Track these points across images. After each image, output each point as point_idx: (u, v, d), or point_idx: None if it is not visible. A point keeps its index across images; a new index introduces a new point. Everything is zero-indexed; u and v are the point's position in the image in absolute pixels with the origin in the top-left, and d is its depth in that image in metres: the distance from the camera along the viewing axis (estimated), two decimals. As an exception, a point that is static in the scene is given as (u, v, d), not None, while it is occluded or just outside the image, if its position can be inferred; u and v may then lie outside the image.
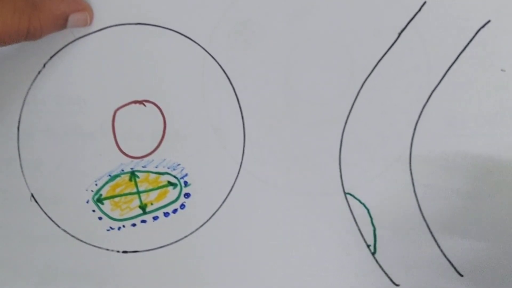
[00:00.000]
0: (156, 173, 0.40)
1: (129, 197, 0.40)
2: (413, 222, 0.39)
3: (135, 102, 0.39)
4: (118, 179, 0.40)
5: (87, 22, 0.38)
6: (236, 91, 0.39)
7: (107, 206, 0.40)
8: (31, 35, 0.35)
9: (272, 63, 0.38)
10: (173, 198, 0.40)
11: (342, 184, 0.39)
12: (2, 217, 0.41)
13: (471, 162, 0.38)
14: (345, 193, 0.39)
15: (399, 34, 0.37)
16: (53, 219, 0.41)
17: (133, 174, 0.40)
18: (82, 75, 0.39)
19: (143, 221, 0.40)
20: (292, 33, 0.38)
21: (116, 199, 0.40)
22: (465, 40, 0.37)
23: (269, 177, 0.39)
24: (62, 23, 0.37)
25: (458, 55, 0.37)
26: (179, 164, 0.40)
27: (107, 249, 0.41)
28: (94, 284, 0.41)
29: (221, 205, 0.40)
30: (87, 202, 0.40)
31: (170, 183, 0.40)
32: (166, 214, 0.40)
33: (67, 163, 0.40)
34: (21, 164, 0.40)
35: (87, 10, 0.38)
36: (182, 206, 0.40)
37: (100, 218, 0.40)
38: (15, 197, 0.40)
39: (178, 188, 0.40)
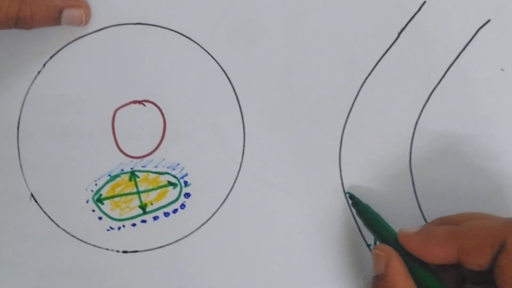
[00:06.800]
0: (156, 173, 0.40)
1: (129, 197, 0.40)
2: (413, 222, 0.38)
3: (135, 102, 0.39)
4: (118, 179, 0.40)
5: (83, 20, 0.37)
6: (236, 91, 0.39)
7: (107, 206, 0.40)
8: (21, 21, 0.34)
9: (272, 63, 0.38)
10: (173, 198, 0.40)
11: (342, 184, 0.39)
12: (2, 217, 0.41)
13: (471, 162, 0.38)
14: (345, 193, 0.39)
15: (399, 33, 0.37)
16: (53, 219, 0.41)
17: (133, 174, 0.40)
18: (82, 75, 0.39)
19: (143, 221, 0.40)
20: (292, 33, 0.38)
21: (116, 199, 0.40)
22: (464, 40, 0.37)
23: (269, 177, 0.39)
24: (55, 16, 0.36)
25: (458, 55, 0.37)
26: (179, 164, 0.40)
27: (107, 249, 0.41)
28: (94, 284, 0.41)
29: (221, 205, 0.40)
30: (87, 202, 0.40)
31: (170, 183, 0.40)
32: (166, 214, 0.40)
33: (67, 163, 0.40)
34: (20, 164, 0.40)
35: (84, 7, 0.37)
36: (182, 206, 0.40)
37: (100, 218, 0.40)
38: (15, 197, 0.40)
39: (178, 188, 0.40)
